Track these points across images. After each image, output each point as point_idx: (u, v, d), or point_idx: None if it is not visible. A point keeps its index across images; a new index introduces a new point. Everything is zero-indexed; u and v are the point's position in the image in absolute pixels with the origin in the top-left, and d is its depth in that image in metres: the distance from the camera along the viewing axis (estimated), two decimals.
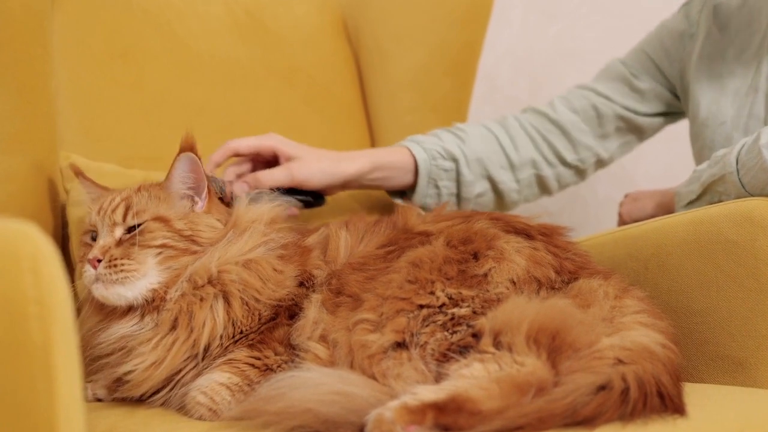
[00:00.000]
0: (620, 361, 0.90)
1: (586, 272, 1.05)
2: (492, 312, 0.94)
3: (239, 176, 1.30)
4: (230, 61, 1.57)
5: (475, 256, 1.02)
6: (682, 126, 1.93)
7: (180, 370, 1.02)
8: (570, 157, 1.49)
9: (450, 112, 1.63)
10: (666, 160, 2.20)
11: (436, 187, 1.42)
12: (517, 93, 2.20)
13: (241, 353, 1.02)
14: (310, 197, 1.33)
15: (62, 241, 1.25)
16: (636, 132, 1.53)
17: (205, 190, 1.11)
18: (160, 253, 1.04)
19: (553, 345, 0.90)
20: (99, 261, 1.02)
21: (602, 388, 0.85)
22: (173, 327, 1.02)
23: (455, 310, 0.96)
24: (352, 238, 1.13)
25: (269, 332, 1.04)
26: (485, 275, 1.00)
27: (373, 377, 0.93)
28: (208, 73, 1.54)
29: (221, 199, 1.17)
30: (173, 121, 1.46)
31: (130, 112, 1.45)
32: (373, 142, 1.70)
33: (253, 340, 1.03)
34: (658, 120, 1.54)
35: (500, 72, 2.18)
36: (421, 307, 0.96)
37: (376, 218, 1.19)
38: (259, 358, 1.01)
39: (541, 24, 2.20)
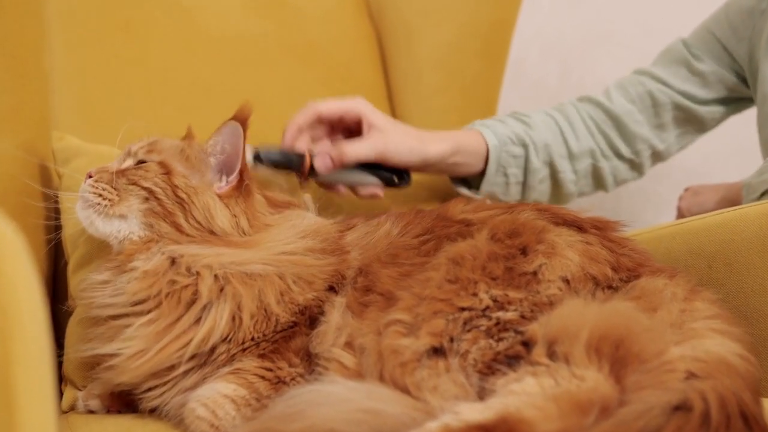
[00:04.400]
0: (693, 375, 0.79)
1: (647, 270, 0.94)
2: (545, 317, 0.84)
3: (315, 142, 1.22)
4: (241, 37, 1.50)
5: (524, 251, 0.92)
6: None
7: (173, 366, 0.93)
8: (624, 150, 1.41)
9: (480, 94, 1.57)
10: (704, 151, 2.07)
11: (505, 175, 1.34)
12: (545, 77, 2.12)
13: (250, 363, 0.93)
14: (395, 176, 1.24)
15: (55, 232, 1.16)
16: (694, 123, 1.44)
17: (236, 173, 1.02)
18: (147, 199, 0.99)
19: (616, 356, 0.79)
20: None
21: (678, 408, 0.74)
22: (156, 314, 0.93)
23: (500, 314, 0.85)
24: (395, 230, 1.03)
25: (285, 341, 0.95)
26: (535, 273, 0.90)
27: (406, 389, 0.84)
28: (217, 48, 1.48)
29: (299, 174, 1.16)
30: (178, 101, 1.39)
31: (131, 91, 1.38)
32: None
33: (264, 349, 0.94)
34: (719, 109, 1.43)
35: (528, 55, 2.09)
36: (462, 309, 0.86)
37: (422, 209, 1.09)
38: (270, 370, 0.92)
39: (571, 6, 2.11)
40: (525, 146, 1.34)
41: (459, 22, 1.58)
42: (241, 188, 1.01)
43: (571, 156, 1.38)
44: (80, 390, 1.06)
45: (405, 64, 1.60)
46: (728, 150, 2.10)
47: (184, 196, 0.98)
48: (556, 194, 1.41)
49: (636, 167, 1.44)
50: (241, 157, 1.01)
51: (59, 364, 1.09)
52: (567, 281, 0.89)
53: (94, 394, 1.03)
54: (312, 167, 1.16)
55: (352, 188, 1.24)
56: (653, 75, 1.42)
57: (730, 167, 2.08)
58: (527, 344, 0.82)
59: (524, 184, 1.36)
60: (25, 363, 0.52)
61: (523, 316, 0.85)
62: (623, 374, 0.78)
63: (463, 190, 1.36)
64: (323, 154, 1.17)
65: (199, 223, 0.98)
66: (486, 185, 1.33)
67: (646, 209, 2.04)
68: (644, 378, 0.78)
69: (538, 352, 0.80)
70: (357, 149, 1.17)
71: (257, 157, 1.14)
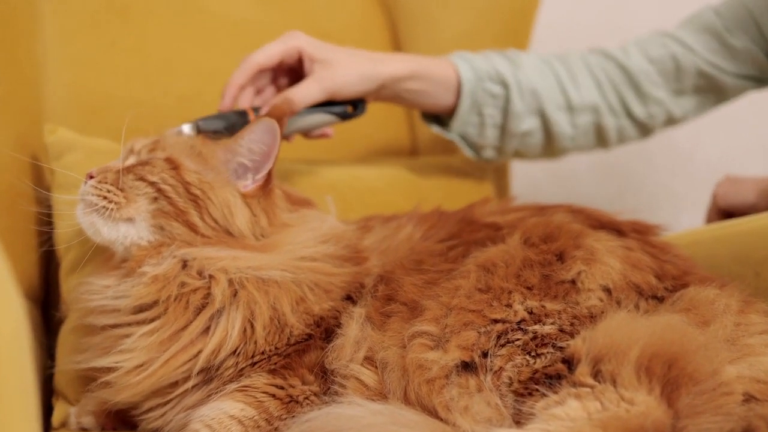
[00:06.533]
0: (752, 398, 0.74)
1: (694, 278, 0.88)
2: (587, 331, 0.78)
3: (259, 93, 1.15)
4: (245, 23, 1.45)
5: (560, 257, 0.86)
6: (742, 110, 1.78)
7: (176, 383, 0.88)
8: (638, 110, 1.33)
9: None
10: (725, 146, 2.07)
11: (480, 114, 1.26)
12: None
13: (260, 379, 0.87)
14: (348, 106, 1.17)
15: (47, 232, 1.10)
16: (716, 92, 1.37)
17: (265, 173, 0.95)
18: (156, 198, 0.92)
19: (669, 376, 0.73)
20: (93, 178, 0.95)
21: None
22: (160, 322, 0.87)
23: (537, 327, 0.80)
24: (417, 234, 0.97)
25: (298, 356, 0.89)
26: (573, 282, 0.84)
27: (434, 411, 0.79)
28: (220, 36, 1.42)
29: None
30: (179, 90, 1.34)
31: (129, 80, 1.34)
32: (412, 122, 1.56)
33: (276, 363, 0.88)
34: (745, 83, 1.36)
35: (544, 48, 2.02)
36: (495, 321, 0.81)
37: (444, 210, 1.03)
38: (282, 387, 0.86)
39: None
40: (505, 86, 1.26)
41: (478, 9, 1.53)
42: (267, 188, 0.95)
43: (570, 108, 1.30)
44: (73, 405, 1.01)
45: (424, 52, 1.51)
46: (749, 146, 2.04)
47: (198, 192, 0.91)
48: (549, 148, 1.34)
49: (646, 130, 1.37)
50: (274, 156, 0.94)
51: (50, 376, 1.04)
52: (608, 291, 0.84)
53: (88, 410, 0.97)
54: None
55: (304, 133, 1.17)
56: (678, 39, 1.34)
57: (750, 163, 2.02)
58: (569, 362, 0.76)
59: (503, 129, 1.28)
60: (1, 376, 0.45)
61: (562, 330, 0.79)
62: (675, 397, 0.73)
63: (435, 128, 1.29)
64: (269, 106, 1.07)
65: (215, 221, 0.92)
66: (458, 123, 1.25)
67: (662, 206, 2.02)
68: (698, 401, 0.73)
69: (582, 372, 0.74)
70: (305, 93, 1.08)
71: (197, 130, 1.07)
